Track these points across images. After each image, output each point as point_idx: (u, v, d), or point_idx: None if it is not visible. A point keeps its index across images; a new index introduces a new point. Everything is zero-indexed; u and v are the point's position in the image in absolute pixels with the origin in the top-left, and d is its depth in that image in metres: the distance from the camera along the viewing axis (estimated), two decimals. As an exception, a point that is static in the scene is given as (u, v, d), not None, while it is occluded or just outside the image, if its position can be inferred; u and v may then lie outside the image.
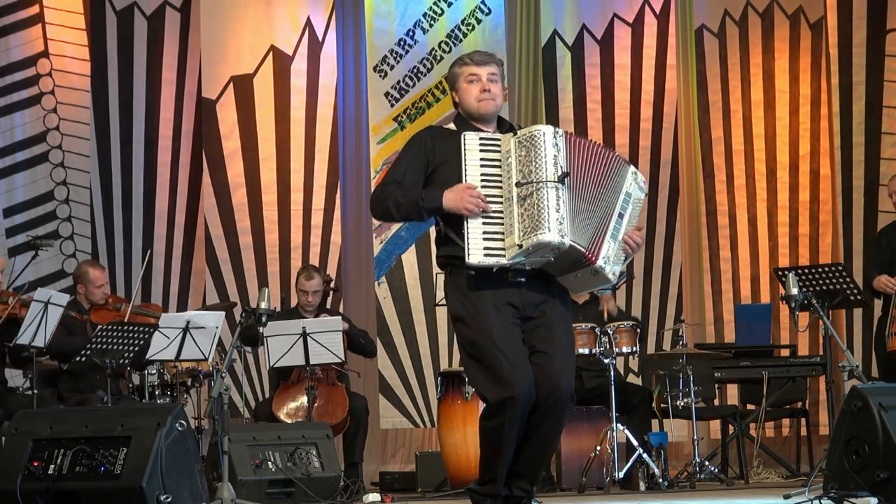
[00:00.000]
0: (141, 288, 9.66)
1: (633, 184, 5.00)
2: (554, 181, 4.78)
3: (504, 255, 4.83)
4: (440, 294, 9.06)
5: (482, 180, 4.89)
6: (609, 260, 4.89)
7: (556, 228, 4.75)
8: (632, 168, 5.01)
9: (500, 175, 4.88)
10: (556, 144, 4.84)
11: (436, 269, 9.74)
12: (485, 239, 4.84)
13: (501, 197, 4.86)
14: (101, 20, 10.02)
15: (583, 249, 4.84)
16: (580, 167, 4.89)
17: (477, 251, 4.83)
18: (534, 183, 4.78)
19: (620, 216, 4.94)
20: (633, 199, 4.98)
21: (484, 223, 4.84)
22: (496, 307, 4.91)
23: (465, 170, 4.90)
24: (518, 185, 4.81)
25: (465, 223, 4.85)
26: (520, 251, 4.79)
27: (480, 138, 4.94)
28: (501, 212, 4.85)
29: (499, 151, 4.91)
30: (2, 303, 7.75)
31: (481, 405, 5.11)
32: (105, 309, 8.31)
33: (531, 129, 4.89)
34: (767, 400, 8.51)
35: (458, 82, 5.09)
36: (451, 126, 5.12)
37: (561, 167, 4.81)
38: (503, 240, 4.84)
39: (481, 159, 4.90)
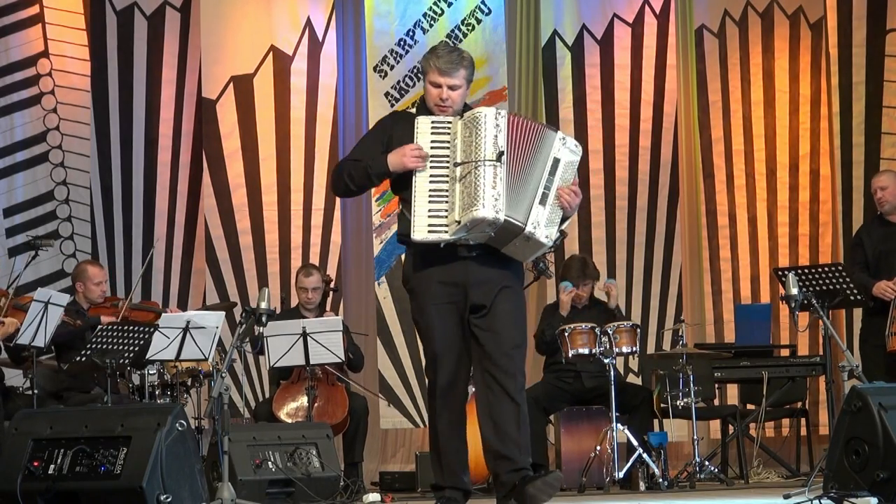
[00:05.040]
0: (141, 288, 9.66)
1: (562, 148, 5.20)
2: (492, 160, 5.04)
3: (447, 231, 5.09)
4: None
5: (431, 161, 5.14)
6: (539, 224, 5.13)
7: (492, 204, 5.02)
8: (559, 134, 5.22)
9: (448, 156, 5.14)
10: (498, 125, 5.09)
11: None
12: (430, 216, 5.12)
13: (447, 177, 5.12)
14: (101, 20, 10.01)
15: (517, 222, 5.09)
16: (517, 145, 5.14)
17: (422, 228, 5.12)
18: (472, 162, 5.05)
19: (549, 181, 5.15)
20: (563, 163, 5.19)
21: (430, 201, 5.13)
22: (439, 288, 5.20)
23: None
24: (456, 164, 5.09)
25: (413, 202, 5.13)
26: (459, 227, 5.07)
27: (433, 121, 5.20)
28: (447, 190, 5.10)
29: (449, 133, 5.16)
30: None
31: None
32: (102, 308, 8.30)
33: (475, 111, 5.16)
34: (767, 400, 8.51)
35: (425, 79, 5.31)
36: (413, 110, 5.39)
37: (500, 146, 5.06)
38: (447, 216, 5.10)
39: (431, 141, 5.17)
